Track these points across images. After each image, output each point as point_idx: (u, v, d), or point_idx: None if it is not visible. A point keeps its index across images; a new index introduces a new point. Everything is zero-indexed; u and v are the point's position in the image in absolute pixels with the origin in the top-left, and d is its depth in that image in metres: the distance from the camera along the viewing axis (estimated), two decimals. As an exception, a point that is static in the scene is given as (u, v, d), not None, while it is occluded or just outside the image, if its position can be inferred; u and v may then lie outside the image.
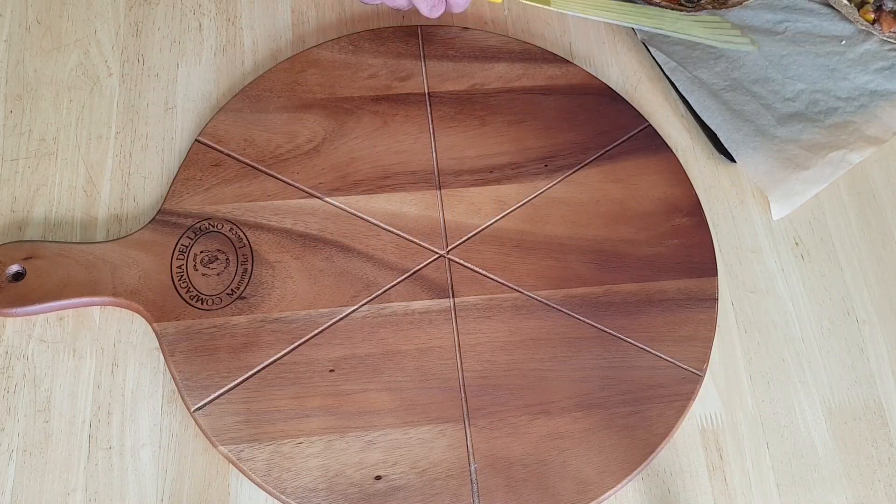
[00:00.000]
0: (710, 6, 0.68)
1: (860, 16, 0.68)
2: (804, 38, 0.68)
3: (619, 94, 0.65)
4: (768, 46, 0.68)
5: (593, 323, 0.56)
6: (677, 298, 0.57)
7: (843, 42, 0.68)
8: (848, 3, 0.68)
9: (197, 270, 0.56)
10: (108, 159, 0.61)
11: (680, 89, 0.65)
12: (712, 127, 0.63)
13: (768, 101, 0.65)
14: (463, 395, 0.54)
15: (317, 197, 0.59)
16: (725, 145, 0.63)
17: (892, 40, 0.68)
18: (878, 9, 0.68)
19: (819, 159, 0.63)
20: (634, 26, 0.66)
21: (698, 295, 0.57)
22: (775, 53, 0.67)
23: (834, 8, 0.69)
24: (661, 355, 0.55)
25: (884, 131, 0.65)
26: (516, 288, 0.57)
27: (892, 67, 0.67)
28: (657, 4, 0.67)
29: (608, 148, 0.62)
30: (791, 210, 0.62)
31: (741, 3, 0.68)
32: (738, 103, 0.65)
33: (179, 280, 0.56)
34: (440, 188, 0.60)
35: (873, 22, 0.68)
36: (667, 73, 0.66)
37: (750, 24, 0.69)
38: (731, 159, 0.63)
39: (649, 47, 0.67)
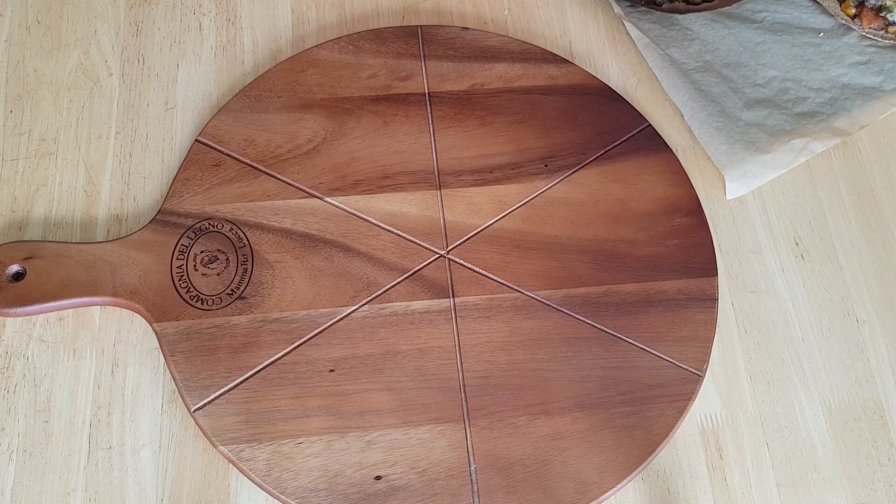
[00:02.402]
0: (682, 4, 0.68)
1: (841, 10, 0.68)
2: (782, 28, 0.68)
3: (619, 94, 0.65)
4: (744, 33, 0.68)
5: (593, 323, 0.56)
6: (677, 298, 0.57)
7: (821, 34, 0.68)
8: None
9: (197, 270, 0.56)
10: (108, 159, 0.61)
11: (650, 65, 0.65)
12: (678, 104, 0.64)
13: (738, 86, 0.65)
14: (463, 395, 0.54)
15: (317, 197, 0.59)
16: (688, 122, 0.63)
17: (871, 36, 0.68)
18: (860, 4, 0.68)
19: (781, 145, 0.63)
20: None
21: (698, 295, 0.57)
22: (750, 40, 0.67)
23: (815, 1, 0.69)
24: (661, 355, 0.55)
25: (851, 124, 0.64)
26: (516, 288, 0.57)
27: (868, 63, 0.67)
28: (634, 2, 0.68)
29: (608, 148, 0.62)
30: (746, 191, 0.62)
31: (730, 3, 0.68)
32: (707, 84, 0.65)
33: (179, 280, 0.56)
34: (440, 188, 0.60)
35: (854, 17, 0.68)
36: (639, 48, 0.66)
37: (727, 10, 0.69)
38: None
39: (625, 22, 0.67)
